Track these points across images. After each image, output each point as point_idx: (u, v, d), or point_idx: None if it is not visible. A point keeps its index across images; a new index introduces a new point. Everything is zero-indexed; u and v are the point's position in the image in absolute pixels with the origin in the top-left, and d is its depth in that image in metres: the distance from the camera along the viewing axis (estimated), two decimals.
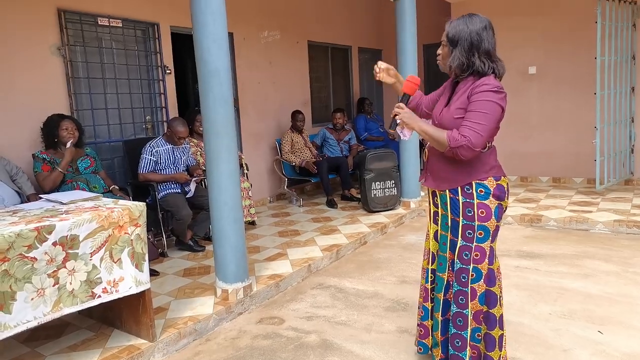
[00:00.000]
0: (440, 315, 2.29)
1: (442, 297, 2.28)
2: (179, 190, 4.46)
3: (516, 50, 6.87)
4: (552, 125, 6.92)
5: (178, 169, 4.53)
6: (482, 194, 2.11)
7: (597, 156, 5.87)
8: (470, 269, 2.15)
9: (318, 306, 3.48)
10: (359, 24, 8.30)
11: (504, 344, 2.23)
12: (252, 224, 5.30)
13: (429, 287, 2.38)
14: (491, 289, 2.18)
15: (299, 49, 6.99)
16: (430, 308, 2.37)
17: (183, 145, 4.58)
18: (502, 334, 2.21)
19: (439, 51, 2.20)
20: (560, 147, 6.87)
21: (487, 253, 2.16)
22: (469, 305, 2.17)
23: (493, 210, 2.12)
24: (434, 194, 2.30)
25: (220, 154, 3.24)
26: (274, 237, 4.89)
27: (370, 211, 5.73)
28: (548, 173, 7.04)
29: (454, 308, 2.22)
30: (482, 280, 2.16)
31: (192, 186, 4.50)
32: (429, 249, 2.38)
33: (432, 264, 2.36)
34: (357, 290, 3.71)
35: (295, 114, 6.37)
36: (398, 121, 2.15)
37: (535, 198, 6.08)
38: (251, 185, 5.27)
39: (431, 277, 2.36)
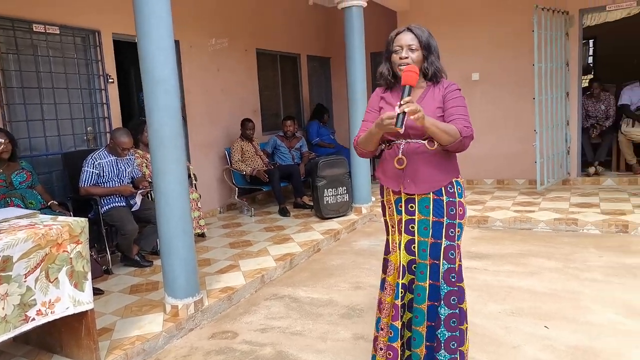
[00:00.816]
0: (424, 327, 2.20)
1: (425, 308, 2.19)
2: (124, 204, 4.27)
3: (460, 57, 7.09)
4: (495, 129, 7.18)
5: (123, 181, 4.35)
6: (460, 191, 2.21)
7: (537, 158, 6.14)
8: (457, 267, 2.18)
9: (272, 317, 3.42)
10: (308, 32, 8.33)
11: (466, 338, 2.27)
12: (202, 236, 5.17)
13: (400, 303, 2.22)
14: (462, 284, 2.23)
15: (248, 57, 6.93)
16: (400, 327, 2.22)
17: (127, 157, 4.41)
18: (467, 327, 2.27)
19: (407, 54, 2.14)
20: (503, 150, 7.14)
21: (461, 250, 2.24)
22: (463, 303, 2.20)
23: (465, 206, 2.24)
24: (408, 201, 2.20)
25: (167, 165, 3.12)
26: (225, 249, 4.78)
27: (323, 218, 5.72)
28: (492, 175, 7.29)
29: (446, 311, 2.15)
30: (461, 277, 2.22)
31: (138, 199, 4.33)
32: (397, 262, 2.24)
33: (402, 278, 2.22)
34: (312, 299, 3.68)
35: (245, 122, 6.29)
36: (413, 116, 1.90)
37: (481, 200, 6.28)
38: (200, 196, 5.14)
39: (402, 292, 2.22)
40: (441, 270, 2.17)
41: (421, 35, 2.16)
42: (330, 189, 5.74)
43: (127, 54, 5.72)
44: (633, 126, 6.67)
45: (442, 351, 2.17)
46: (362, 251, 4.78)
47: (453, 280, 2.17)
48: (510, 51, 6.89)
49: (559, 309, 3.21)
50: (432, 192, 2.16)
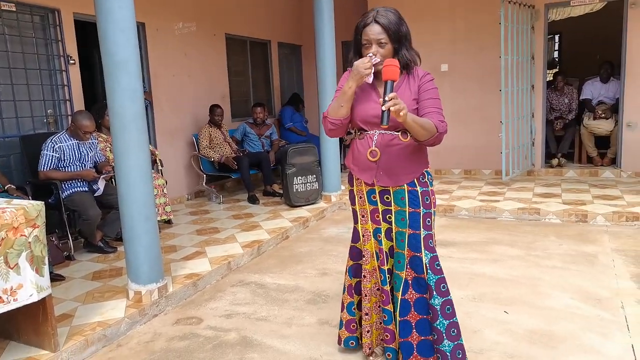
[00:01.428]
0: (398, 316, 2.20)
1: (400, 297, 2.18)
2: (86, 189, 4.16)
3: (429, 48, 7.14)
4: (463, 120, 7.28)
5: (85, 165, 4.23)
6: (431, 180, 2.22)
7: (503, 149, 6.27)
8: (438, 256, 2.18)
9: (238, 303, 3.40)
10: (279, 18, 8.24)
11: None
12: (168, 222, 5.08)
13: (388, 288, 2.24)
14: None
15: (217, 42, 6.81)
16: (392, 310, 2.24)
17: (90, 141, 4.28)
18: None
19: (376, 50, 2.05)
20: (471, 141, 7.26)
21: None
22: (449, 289, 2.19)
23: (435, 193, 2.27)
24: (383, 193, 2.20)
25: (129, 149, 3.05)
26: (191, 236, 4.71)
27: (293, 206, 5.71)
28: (460, 165, 7.41)
29: (439, 300, 2.13)
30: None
31: (101, 184, 4.22)
32: (380, 248, 2.25)
33: (387, 264, 2.24)
34: (278, 285, 3.67)
35: (213, 108, 6.19)
36: (401, 113, 1.86)
37: (448, 189, 6.38)
38: (166, 182, 5.05)
39: (388, 277, 2.24)
40: (424, 261, 2.14)
41: (389, 25, 2.04)
42: (300, 177, 5.72)
43: (91, 35, 5.54)
44: (594, 120, 6.88)
45: (445, 341, 2.14)
46: (330, 238, 4.80)
47: (438, 268, 2.16)
48: (477, 43, 6.99)
49: (519, 295, 3.30)
50: (407, 184, 2.16)
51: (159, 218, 4.77)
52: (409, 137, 2.11)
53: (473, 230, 4.86)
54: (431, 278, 2.14)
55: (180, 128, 6.28)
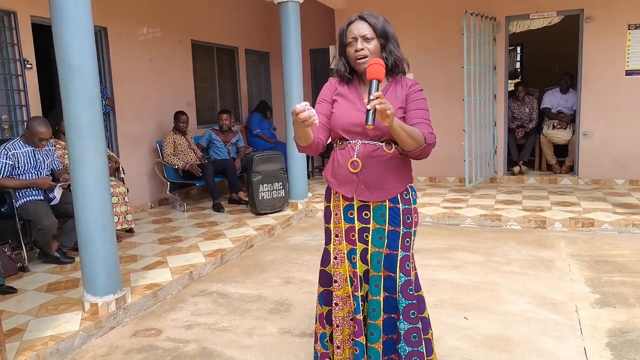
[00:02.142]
0: (380, 345, 2.04)
1: (381, 323, 2.03)
2: (42, 197, 4.03)
3: None
4: None
5: (41, 173, 4.09)
6: (415, 197, 2.07)
7: (466, 157, 6.39)
8: (412, 279, 2.02)
9: (199, 314, 3.34)
10: (247, 25, 8.21)
11: (433, 347, 2.18)
12: (129, 231, 4.97)
13: (361, 317, 2.04)
14: (421, 293, 2.11)
15: (182, 48, 6.73)
16: (364, 342, 2.05)
17: (47, 148, 4.15)
18: (432, 333, 2.17)
19: (362, 45, 1.93)
20: (436, 149, 7.21)
21: (414, 257, 2.10)
22: (424, 312, 2.08)
23: (418, 211, 2.11)
24: (362, 209, 2.03)
25: (85, 157, 2.97)
26: (153, 245, 4.62)
27: (258, 214, 5.67)
28: (425, 173, 7.52)
29: (405, 325, 2.00)
30: (419, 286, 2.10)
31: (57, 192, 4.09)
32: (354, 272, 2.05)
33: (360, 290, 2.04)
34: (241, 295, 3.63)
35: (178, 115, 6.11)
36: (387, 112, 1.70)
37: None
38: (128, 190, 4.94)
39: (362, 304, 2.05)
40: (398, 283, 2.00)
41: (376, 22, 1.95)
42: (266, 184, 5.69)
43: (49, 38, 5.39)
44: (553, 129, 7.10)
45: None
46: (295, 246, 4.78)
47: (411, 293, 2.01)
48: (442, 53, 7.12)
49: (478, 300, 3.36)
50: (389, 200, 2.00)
51: (119, 227, 4.66)
52: (393, 148, 1.97)
53: (436, 237, 4.93)
54: (401, 301, 2.00)
55: (144, 135, 6.17)
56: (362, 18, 1.96)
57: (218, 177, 6.22)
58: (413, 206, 2.04)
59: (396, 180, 2.00)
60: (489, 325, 2.99)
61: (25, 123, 4.49)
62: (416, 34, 7.26)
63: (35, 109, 4.72)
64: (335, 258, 2.09)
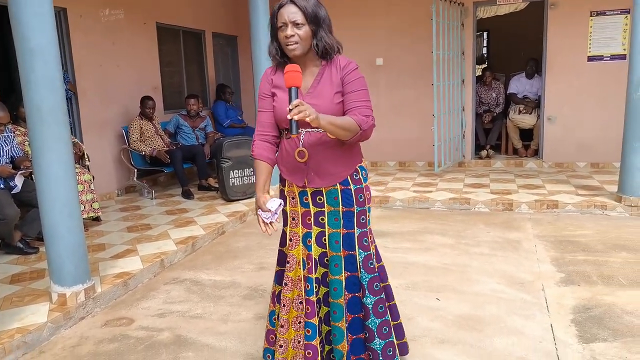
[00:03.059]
0: (344, 322, 2.08)
1: (343, 302, 2.07)
2: (2, 186, 3.86)
3: (364, 42, 7.24)
4: (398, 113, 7.46)
5: (0, 161, 3.92)
6: (365, 176, 2.12)
7: (435, 141, 6.48)
8: (372, 253, 2.11)
9: (172, 302, 3.30)
10: (213, 8, 8.01)
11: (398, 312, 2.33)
12: (96, 219, 4.83)
13: (315, 299, 2.08)
14: (381, 263, 2.23)
15: (147, 31, 6.52)
16: (318, 324, 2.09)
17: (5, 134, 3.98)
18: (394, 302, 2.29)
19: (292, 32, 1.89)
20: (405, 134, 7.45)
21: (372, 232, 2.18)
22: (387, 280, 2.16)
23: (370, 189, 2.18)
24: (315, 194, 2.07)
25: (48, 143, 2.86)
26: (122, 233, 4.51)
27: (229, 200, 5.61)
28: (395, 158, 7.59)
29: (372, 299, 2.07)
30: (376, 260, 2.17)
31: (19, 180, 3.93)
32: (299, 256, 2.10)
33: (315, 272, 2.09)
34: (214, 282, 3.60)
35: (145, 100, 5.94)
36: (308, 118, 1.73)
37: (383, 181, 6.52)
38: (93, 177, 4.78)
39: (316, 286, 2.09)
40: (358, 260, 2.07)
41: (306, 7, 1.90)
42: (237, 170, 5.62)
43: (3, 20, 5.14)
44: (519, 114, 7.26)
45: (376, 339, 2.09)
46: None
47: (372, 266, 2.09)
48: (411, 38, 7.16)
49: (449, 282, 3.43)
50: (340, 183, 2.04)
51: (86, 215, 4.53)
52: None
53: (407, 220, 4.99)
54: (364, 277, 2.07)
55: (109, 120, 5.98)
56: (292, 1, 1.91)
57: (187, 164, 6.10)
58: (364, 184, 2.10)
59: (344, 164, 2.04)
60: (460, 306, 3.06)
61: None
62: (386, 18, 7.27)
63: None
64: (291, 240, 2.13)
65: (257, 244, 4.41)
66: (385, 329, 2.11)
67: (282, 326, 2.15)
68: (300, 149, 2.01)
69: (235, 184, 5.63)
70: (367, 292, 2.08)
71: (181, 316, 3.08)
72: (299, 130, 1.95)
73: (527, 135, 7.42)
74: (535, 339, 2.64)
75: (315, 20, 1.92)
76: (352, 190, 2.06)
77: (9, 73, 5.68)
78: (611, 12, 6.45)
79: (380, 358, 2.10)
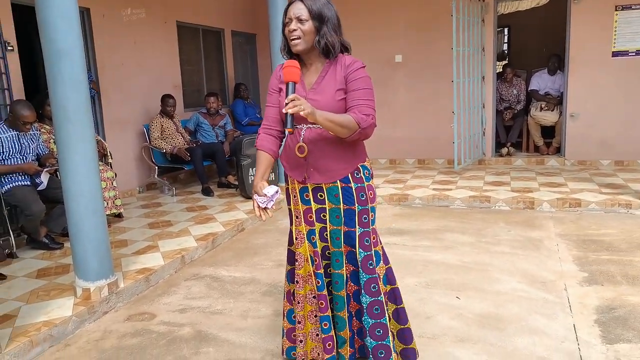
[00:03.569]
0: (346, 312, 2.14)
1: (344, 294, 2.13)
2: (28, 183, 3.95)
3: (383, 39, 7.22)
4: (417, 110, 7.42)
5: (26, 158, 4.01)
6: (367, 175, 2.10)
7: (455, 139, 6.42)
8: (373, 254, 2.10)
9: (192, 297, 3.34)
10: (233, 6, 8.07)
11: (403, 317, 2.24)
12: (118, 216, 4.92)
13: (326, 293, 2.13)
14: (389, 266, 2.18)
15: (167, 30, 6.60)
16: (332, 316, 2.15)
17: (31, 132, 4.07)
18: (403, 306, 2.22)
19: (296, 26, 1.94)
20: (424, 131, 7.40)
21: (378, 233, 2.15)
22: (381, 290, 2.11)
23: (375, 189, 2.16)
24: (316, 190, 2.08)
25: (73, 141, 2.92)
26: (143, 230, 4.58)
27: (249, 197, 5.64)
28: (414, 155, 7.55)
29: (367, 299, 2.09)
30: (382, 261, 2.14)
31: (44, 177, 4.02)
32: (306, 254, 2.14)
33: (320, 267, 2.13)
34: (234, 278, 3.63)
35: (165, 98, 6.01)
36: (303, 112, 1.77)
37: (402, 179, 6.48)
38: (116, 174, 4.87)
39: (325, 281, 2.15)
40: (358, 258, 2.08)
41: (312, 5, 1.94)
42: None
43: (31, 20, 5.25)
44: (541, 110, 7.15)
45: (368, 337, 2.11)
46: (287, 229, 4.73)
47: (371, 267, 2.09)
48: (431, 35, 7.10)
49: (469, 280, 3.40)
50: (340, 181, 2.05)
51: (108, 212, 4.61)
52: None
53: (426, 218, 4.96)
54: (362, 276, 2.09)
55: (130, 119, 6.07)
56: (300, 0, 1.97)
57: (207, 161, 6.16)
58: (367, 184, 2.09)
59: (344, 162, 2.04)
60: (481, 304, 3.04)
61: (8, 107, 4.39)
62: (405, 15, 7.22)
63: (18, 92, 4.60)
64: (296, 239, 2.18)
65: (276, 241, 4.43)
66: (379, 331, 2.11)
67: (299, 322, 2.24)
68: (300, 144, 2.03)
69: None
70: (363, 292, 2.10)
71: (202, 312, 3.12)
72: (300, 126, 2.03)
73: (548, 132, 7.30)
74: (558, 339, 2.60)
75: (319, 18, 1.95)
76: (353, 188, 2.06)
77: (35, 73, 5.80)
78: (637, 6, 6.30)
79: (370, 357, 2.12)
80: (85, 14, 5.39)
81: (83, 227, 3.04)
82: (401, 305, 2.19)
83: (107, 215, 4.57)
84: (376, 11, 7.17)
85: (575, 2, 6.51)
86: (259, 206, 2.01)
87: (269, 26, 5.65)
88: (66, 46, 2.82)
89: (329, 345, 2.14)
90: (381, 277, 2.13)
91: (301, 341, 2.25)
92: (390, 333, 2.13)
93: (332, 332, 2.15)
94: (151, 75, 6.31)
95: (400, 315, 2.18)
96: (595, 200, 4.96)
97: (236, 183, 6.01)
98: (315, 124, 1.94)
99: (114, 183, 4.76)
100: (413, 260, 3.81)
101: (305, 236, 2.14)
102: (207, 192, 5.91)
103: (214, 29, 7.69)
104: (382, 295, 2.12)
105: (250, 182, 5.63)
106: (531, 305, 3.00)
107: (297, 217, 2.16)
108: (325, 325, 2.14)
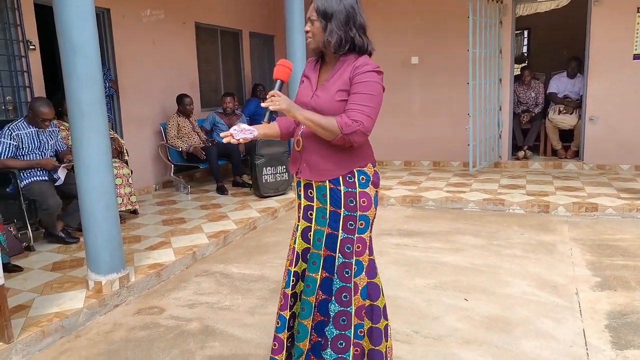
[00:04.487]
0: (311, 321, 2.08)
1: (313, 300, 2.06)
2: (46, 178, 4.05)
3: (400, 41, 7.20)
4: (432, 112, 7.38)
5: (45, 154, 4.12)
6: (364, 181, 1.98)
7: (470, 141, 6.36)
8: (353, 262, 1.99)
9: (202, 293, 3.38)
10: (251, 8, 8.14)
11: (389, 334, 2.12)
12: (133, 212, 5.00)
13: (290, 292, 2.09)
14: (373, 280, 2.04)
15: (186, 30, 6.69)
16: (288, 317, 2.10)
17: (50, 129, 4.17)
18: (387, 324, 2.10)
19: (308, 28, 1.96)
20: (440, 133, 7.35)
21: (367, 243, 2.02)
22: (353, 301, 2.00)
23: (373, 198, 2.00)
24: (307, 186, 2.06)
25: (87, 136, 2.99)
26: (157, 226, 4.65)
27: (262, 196, 5.69)
28: (429, 157, 7.51)
29: (336, 307, 2.01)
30: (363, 273, 2.01)
31: (62, 173, 4.12)
32: (295, 248, 2.12)
33: (295, 266, 2.10)
34: (243, 275, 3.67)
35: (182, 98, 6.10)
36: (275, 107, 1.84)
37: (416, 181, 6.45)
38: (132, 171, 4.95)
39: (293, 280, 2.10)
40: (336, 263, 2.00)
41: (320, 3, 1.92)
42: (269, 167, 5.70)
43: (52, 19, 5.37)
44: (559, 114, 7.04)
45: (329, 349, 2.03)
46: None
47: (347, 275, 1.99)
48: (447, 36, 7.06)
49: (479, 283, 3.37)
50: (329, 181, 1.98)
51: (123, 208, 4.70)
52: None
53: (439, 220, 4.93)
54: (336, 283, 2.01)
55: (148, 117, 6.18)
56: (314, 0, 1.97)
57: (222, 160, 6.23)
58: (360, 190, 1.97)
59: (335, 163, 1.96)
60: (489, 307, 3.01)
61: (29, 104, 4.51)
62: (421, 16, 7.20)
63: (39, 90, 4.73)
64: (294, 234, 2.17)
65: (287, 239, 4.40)
66: (341, 344, 2.02)
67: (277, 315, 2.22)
68: (297, 138, 2.05)
69: (268, 181, 5.70)
70: (333, 299, 2.02)
71: (210, 307, 3.15)
72: None
73: (567, 136, 7.19)
74: (566, 343, 2.57)
75: (324, 16, 1.91)
76: (342, 191, 1.97)
77: (56, 72, 5.92)
78: None
79: None
80: (105, 14, 5.50)
81: (95, 220, 3.11)
82: (377, 325, 2.05)
83: (122, 211, 4.67)
84: (392, 12, 7.16)
85: (595, 3, 6.41)
86: (231, 133, 1.95)
87: (286, 29, 5.68)
88: (81, 41, 2.89)
89: (275, 345, 2.12)
90: (360, 289, 2.01)
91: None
92: (352, 348, 2.03)
93: (283, 335, 2.10)
94: (169, 75, 6.41)
95: (374, 335, 2.05)
96: (612, 205, 4.86)
97: (250, 182, 6.06)
98: None
99: (130, 180, 4.84)
100: (423, 261, 3.80)
101: (297, 231, 2.12)
102: (221, 190, 5.97)
103: (232, 30, 7.77)
104: (353, 307, 2.00)
105: (264, 181, 5.67)
106: (540, 308, 2.97)
107: (298, 212, 2.15)
108: (278, 323, 2.12)
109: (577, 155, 7.04)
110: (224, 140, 1.96)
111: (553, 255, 3.85)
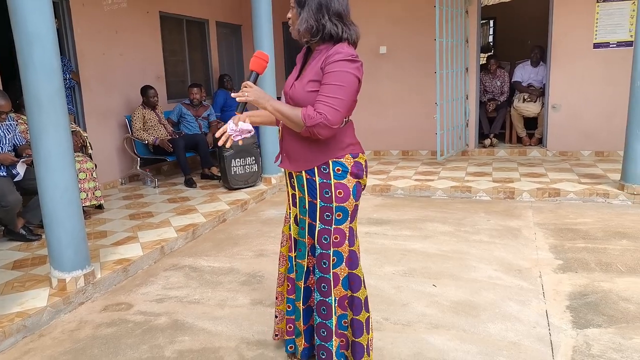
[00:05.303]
0: (301, 304, 2.13)
1: (302, 285, 2.12)
2: (4, 174, 3.91)
3: (368, 31, 7.18)
4: (402, 102, 7.43)
5: (2, 149, 3.96)
6: (340, 172, 1.94)
7: (438, 130, 6.44)
8: (331, 253, 1.99)
9: (170, 287, 3.33)
10: None
11: (370, 327, 2.12)
12: (99, 207, 4.88)
13: (294, 276, 2.15)
14: (354, 271, 2.04)
15: (150, 20, 6.53)
16: (295, 299, 2.18)
17: (7, 122, 4.01)
18: (369, 316, 2.10)
19: (289, 15, 1.95)
20: (408, 123, 7.42)
21: (347, 235, 2.01)
22: (332, 292, 2.01)
23: (351, 189, 1.96)
24: (290, 176, 2.08)
25: (46, 130, 2.87)
26: (123, 221, 4.56)
27: (231, 188, 5.63)
28: (398, 147, 7.57)
29: (317, 296, 2.04)
30: (343, 263, 2.01)
31: (21, 168, 3.98)
32: (290, 234, 2.17)
33: (294, 251, 2.15)
34: (213, 268, 3.63)
35: (146, 89, 5.96)
36: (244, 98, 1.86)
37: (386, 170, 6.51)
38: (96, 165, 4.82)
39: (288, 264, 2.19)
40: (315, 254, 2.04)
41: None
42: (238, 159, 5.64)
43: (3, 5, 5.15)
44: (524, 102, 7.20)
45: (316, 336, 2.09)
46: (269, 220, 4.78)
47: (324, 266, 2.00)
48: (415, 26, 7.10)
49: (447, 269, 3.44)
50: (305, 172, 1.98)
51: (88, 203, 4.58)
52: None
53: (408, 208, 4.99)
54: (316, 272, 2.04)
55: (112, 109, 6.02)
56: None
57: (189, 153, 6.13)
58: (335, 181, 1.94)
59: (311, 153, 1.95)
60: (457, 292, 3.07)
61: None
62: (389, 6, 7.21)
63: None
64: (286, 218, 2.23)
65: (257, 231, 4.44)
66: (323, 332, 2.05)
67: (276, 298, 2.31)
68: (279, 128, 2.09)
69: (237, 173, 5.65)
70: (315, 288, 2.07)
71: (179, 301, 3.11)
72: None
73: (531, 123, 7.37)
74: (530, 325, 2.64)
75: (299, 3, 1.91)
76: (317, 182, 1.96)
77: (12, 62, 5.69)
78: None
79: (315, 356, 2.13)
80: (64, 3, 5.31)
81: (58, 217, 3.01)
82: (358, 317, 2.05)
83: (87, 206, 4.55)
84: (360, 2, 7.15)
85: None
86: (227, 132, 1.92)
87: (252, 17, 5.61)
88: (37, 31, 2.77)
89: (290, 327, 2.22)
90: (341, 279, 2.01)
91: (276, 317, 2.34)
92: (334, 338, 2.04)
93: (295, 316, 2.20)
94: (134, 66, 6.25)
95: (354, 326, 2.06)
96: (574, 190, 5.02)
97: (219, 174, 5.99)
98: None
99: (94, 174, 4.71)
100: (392, 249, 3.84)
101: (290, 216, 2.19)
102: (189, 183, 5.88)
103: (198, 20, 7.62)
104: (333, 297, 2.01)
105: (233, 173, 5.62)
106: (506, 292, 3.04)
107: (288, 198, 2.19)
108: (289, 307, 2.21)
109: (540, 142, 7.23)
110: (220, 142, 1.94)
111: (518, 240, 3.95)
